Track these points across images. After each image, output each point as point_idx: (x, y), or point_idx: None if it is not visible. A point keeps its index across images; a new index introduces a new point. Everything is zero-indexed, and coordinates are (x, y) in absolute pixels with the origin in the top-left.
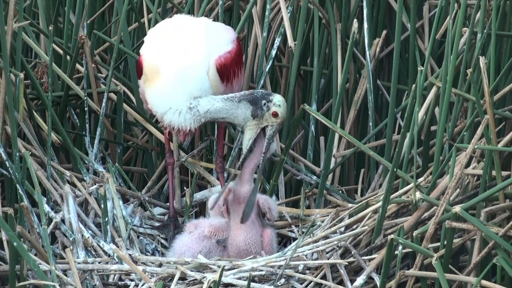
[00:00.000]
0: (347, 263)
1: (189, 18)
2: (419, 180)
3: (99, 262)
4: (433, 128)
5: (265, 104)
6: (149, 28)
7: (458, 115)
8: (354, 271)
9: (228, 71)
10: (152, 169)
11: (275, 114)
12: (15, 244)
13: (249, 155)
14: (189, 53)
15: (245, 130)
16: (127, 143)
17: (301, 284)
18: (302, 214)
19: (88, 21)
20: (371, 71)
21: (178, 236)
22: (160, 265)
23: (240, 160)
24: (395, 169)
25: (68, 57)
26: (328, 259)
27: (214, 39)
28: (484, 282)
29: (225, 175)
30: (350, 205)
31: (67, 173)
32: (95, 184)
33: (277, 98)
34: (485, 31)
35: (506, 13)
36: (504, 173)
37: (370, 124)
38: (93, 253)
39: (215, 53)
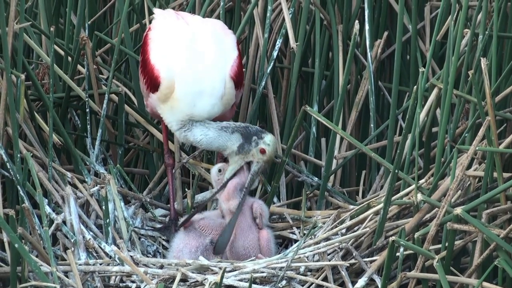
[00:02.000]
0: (348, 265)
1: (193, 21)
2: (421, 181)
3: (100, 264)
4: (434, 129)
5: (254, 140)
6: None
7: (460, 117)
8: (356, 273)
9: (240, 77)
10: (153, 170)
11: (262, 151)
12: (16, 245)
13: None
14: (206, 74)
15: (230, 161)
16: (128, 145)
17: (303, 286)
18: (304, 216)
19: (89, 22)
20: (373, 72)
21: (176, 234)
22: (161, 267)
23: (222, 185)
24: (396, 171)
25: (69, 58)
26: (330, 260)
27: (224, 49)
28: (485, 284)
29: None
30: (351, 206)
31: (69, 174)
32: (97, 186)
33: (269, 138)
34: (487, 32)
35: (507, 14)
36: (506, 175)
37: (372, 125)
38: (95, 254)
39: (229, 65)
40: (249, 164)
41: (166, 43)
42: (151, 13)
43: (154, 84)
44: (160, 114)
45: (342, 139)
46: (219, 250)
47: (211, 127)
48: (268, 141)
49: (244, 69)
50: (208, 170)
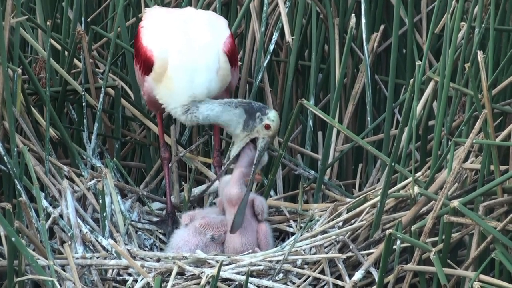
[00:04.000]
0: (345, 258)
1: (187, 10)
2: (417, 174)
3: (97, 257)
4: (430, 123)
5: (258, 116)
6: None
7: (456, 110)
8: (352, 265)
9: (234, 53)
10: (150, 164)
11: (267, 127)
12: (13, 239)
13: (235, 161)
14: (199, 46)
15: (235, 139)
16: (125, 138)
17: (299, 278)
18: (300, 209)
19: (86, 17)
20: (369, 65)
21: (176, 230)
22: (158, 260)
23: (225, 165)
24: (393, 164)
25: (66, 52)
26: (326, 253)
27: (216, 27)
28: (482, 277)
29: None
30: (348, 199)
31: (65, 168)
32: (93, 179)
33: (273, 113)
34: (483, 25)
35: (505, 8)
36: (503, 167)
37: (368, 118)
38: (91, 248)
39: (221, 41)
40: (254, 142)
41: (158, 27)
42: (147, 6)
43: (147, 65)
44: (160, 100)
45: (338, 132)
46: (236, 228)
47: (215, 102)
48: (272, 116)
49: (240, 63)
50: (204, 164)
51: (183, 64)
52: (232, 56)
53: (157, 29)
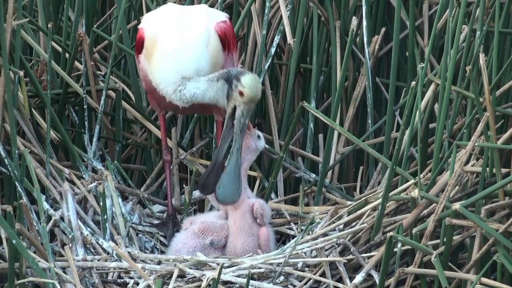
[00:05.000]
0: (346, 261)
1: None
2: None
3: (98, 260)
4: (431, 125)
5: (234, 83)
6: None
7: (457, 113)
8: (353, 268)
9: (228, 36)
10: (151, 166)
11: (241, 93)
12: (14, 241)
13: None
14: (189, 24)
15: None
16: (126, 141)
17: (300, 281)
18: (301, 212)
19: (87, 19)
20: (370, 68)
21: (176, 234)
22: (159, 263)
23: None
24: (394, 167)
25: (67, 54)
26: (327, 256)
27: (212, 13)
28: (484, 280)
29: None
30: (349, 202)
31: (66, 170)
32: (94, 182)
33: (247, 77)
34: (485, 28)
35: (509, 11)
36: (504, 171)
37: (369, 121)
38: (92, 250)
39: (214, 21)
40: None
41: (155, 15)
42: (148, 9)
43: (140, 44)
44: (152, 81)
45: (339, 135)
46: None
47: (201, 80)
48: (245, 82)
49: (241, 65)
50: (205, 166)
51: (173, 40)
52: (225, 39)
53: (154, 14)
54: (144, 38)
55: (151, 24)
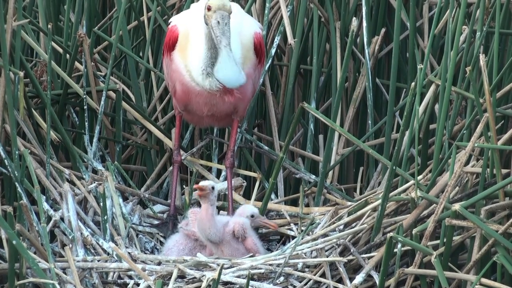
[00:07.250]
0: (346, 261)
1: None
2: (418, 178)
3: (98, 260)
4: (431, 126)
5: (206, 4)
6: (148, 27)
7: (457, 114)
8: (353, 269)
9: (261, 45)
10: (151, 167)
11: (208, 8)
12: (14, 242)
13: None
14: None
15: None
16: (126, 141)
17: (300, 282)
18: (301, 212)
19: (87, 20)
20: (370, 69)
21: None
22: (159, 263)
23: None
24: (394, 167)
25: (67, 55)
26: (327, 257)
27: (249, 19)
28: (484, 280)
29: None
30: (349, 203)
31: (66, 171)
32: (94, 182)
33: None
34: (485, 28)
35: (510, 11)
36: (504, 171)
37: (369, 122)
38: (92, 251)
39: (252, 30)
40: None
41: (185, 15)
42: (149, 10)
43: (173, 41)
44: (186, 69)
45: (340, 136)
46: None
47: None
48: None
49: None
50: (206, 167)
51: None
52: (259, 49)
53: (184, 16)
54: (178, 35)
55: (184, 24)
